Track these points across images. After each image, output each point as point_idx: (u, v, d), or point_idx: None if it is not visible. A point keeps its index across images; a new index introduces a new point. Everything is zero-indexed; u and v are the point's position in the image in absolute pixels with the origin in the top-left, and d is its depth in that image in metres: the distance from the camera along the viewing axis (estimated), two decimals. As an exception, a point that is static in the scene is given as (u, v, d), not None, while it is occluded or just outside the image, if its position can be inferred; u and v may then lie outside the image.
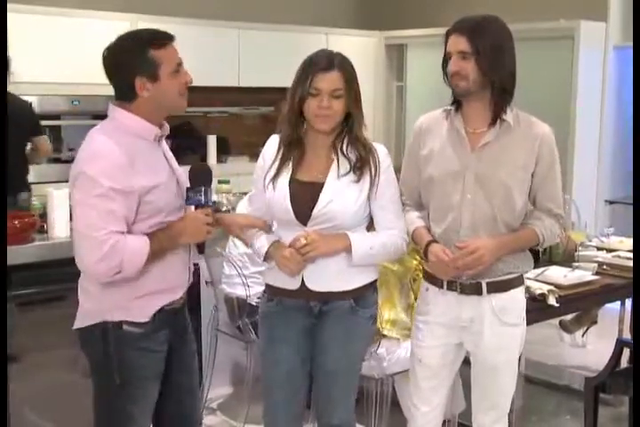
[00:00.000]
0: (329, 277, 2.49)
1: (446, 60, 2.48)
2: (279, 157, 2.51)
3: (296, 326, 2.55)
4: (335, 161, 2.48)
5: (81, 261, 2.26)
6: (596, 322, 4.57)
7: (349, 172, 2.48)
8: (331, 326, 2.54)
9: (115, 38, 2.33)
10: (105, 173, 2.19)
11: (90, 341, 2.38)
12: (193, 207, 2.39)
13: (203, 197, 2.38)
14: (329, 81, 2.40)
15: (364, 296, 2.56)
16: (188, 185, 2.42)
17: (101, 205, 2.19)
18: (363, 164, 2.48)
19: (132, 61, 2.26)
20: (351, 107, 2.46)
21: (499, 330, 2.56)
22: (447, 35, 2.48)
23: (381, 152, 2.54)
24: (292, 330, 2.55)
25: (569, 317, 4.56)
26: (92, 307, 2.36)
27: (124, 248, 2.21)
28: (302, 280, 2.50)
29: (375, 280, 2.64)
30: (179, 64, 2.33)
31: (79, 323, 2.41)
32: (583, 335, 4.75)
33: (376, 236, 2.53)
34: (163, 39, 2.31)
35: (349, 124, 2.49)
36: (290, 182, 2.48)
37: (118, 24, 4.73)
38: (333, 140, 2.51)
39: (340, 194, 2.46)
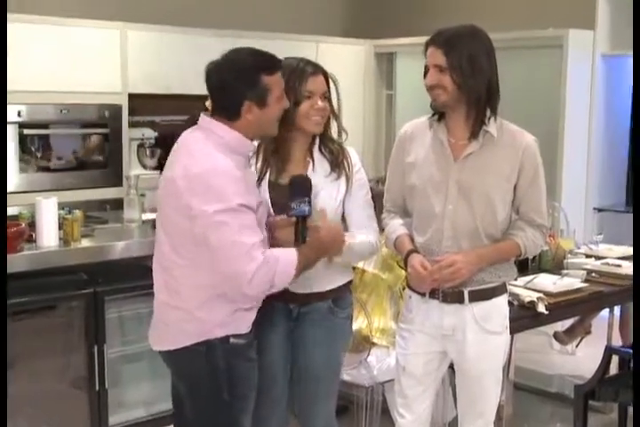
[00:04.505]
0: (309, 278, 2.49)
1: (426, 71, 2.50)
2: (259, 164, 2.55)
3: (277, 329, 2.57)
4: (311, 162, 2.55)
5: (235, 285, 2.24)
6: (589, 332, 4.57)
7: (327, 171, 2.54)
8: (311, 328, 2.58)
9: (223, 56, 2.32)
10: (234, 191, 2.20)
11: (191, 360, 2.36)
12: (294, 219, 2.39)
13: (307, 208, 2.39)
14: (319, 83, 2.51)
15: (341, 297, 2.61)
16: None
17: (236, 219, 2.19)
18: (339, 161, 2.56)
19: (244, 85, 2.26)
20: (331, 109, 2.57)
21: (481, 338, 2.56)
22: (426, 46, 2.49)
23: (353, 154, 2.62)
24: (273, 333, 2.56)
25: (563, 328, 4.57)
26: (193, 327, 2.33)
27: (275, 262, 2.22)
28: None
29: (351, 281, 2.69)
30: (282, 90, 2.35)
31: (175, 344, 2.37)
32: (577, 346, 4.76)
33: (352, 236, 2.54)
34: (275, 65, 2.32)
35: (325, 125, 2.58)
36: (270, 186, 2.52)
37: (107, 32, 4.72)
38: (310, 143, 2.57)
39: (319, 194, 2.50)
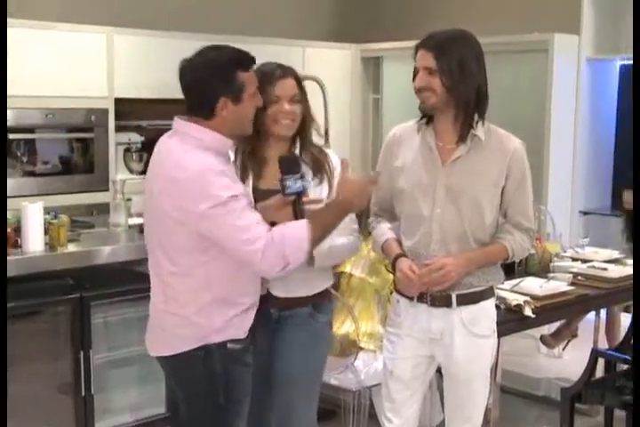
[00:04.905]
0: (290, 282, 2.49)
1: (416, 74, 2.50)
2: (238, 168, 2.53)
3: (258, 331, 2.53)
4: None
5: (251, 266, 2.26)
6: (576, 335, 4.59)
7: (310, 176, 2.53)
8: (291, 330, 2.58)
9: (197, 53, 2.30)
10: (221, 186, 2.19)
11: (188, 364, 2.36)
12: (292, 197, 2.36)
13: (302, 184, 2.36)
14: (287, 87, 2.51)
15: (322, 304, 2.62)
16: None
17: (230, 208, 2.19)
18: (320, 167, 2.56)
19: (219, 81, 2.25)
20: (305, 112, 2.56)
21: (469, 342, 2.57)
22: (416, 49, 2.49)
23: (333, 157, 2.62)
24: (255, 336, 2.53)
25: (549, 331, 4.59)
26: (191, 332, 2.33)
27: (281, 238, 2.20)
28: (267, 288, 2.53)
29: (333, 287, 2.69)
30: (256, 87, 2.34)
31: (172, 350, 2.37)
32: (564, 349, 4.77)
33: (332, 237, 2.49)
34: (249, 61, 2.31)
35: (303, 129, 2.58)
36: (252, 191, 2.51)
37: (94, 37, 4.72)
38: (288, 147, 2.58)
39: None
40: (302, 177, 2.37)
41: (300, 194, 2.36)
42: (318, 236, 2.28)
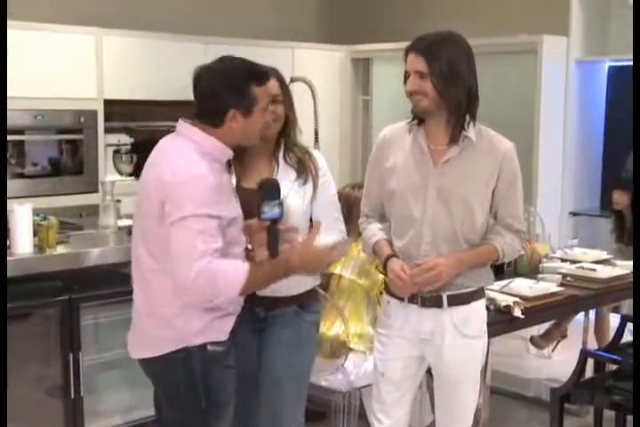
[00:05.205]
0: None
1: (407, 77, 2.50)
2: None
3: (244, 330, 2.52)
4: (276, 168, 2.56)
5: (177, 282, 2.23)
6: (565, 336, 4.61)
7: (294, 176, 2.55)
8: (278, 329, 2.58)
9: (214, 62, 2.32)
10: (201, 200, 2.19)
11: (169, 367, 2.35)
12: (267, 222, 2.35)
13: (279, 211, 2.35)
14: (269, 88, 2.49)
15: (309, 303, 2.63)
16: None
17: (194, 226, 2.18)
18: (305, 167, 2.57)
19: (232, 94, 2.26)
20: (288, 112, 2.58)
21: (459, 343, 2.57)
22: (406, 52, 2.49)
23: (318, 157, 2.64)
24: (240, 335, 2.50)
25: (539, 332, 4.60)
26: (170, 335, 2.32)
27: (215, 272, 2.17)
28: None
29: (318, 287, 2.69)
30: (269, 102, 2.36)
31: (152, 352, 2.36)
32: (553, 350, 4.78)
33: (319, 238, 2.45)
34: (265, 76, 2.33)
35: (287, 129, 2.60)
36: (236, 189, 2.50)
37: (83, 38, 4.71)
38: (273, 147, 2.59)
39: (287, 198, 2.49)
40: (281, 204, 2.37)
41: (276, 220, 2.36)
42: (254, 283, 2.27)
